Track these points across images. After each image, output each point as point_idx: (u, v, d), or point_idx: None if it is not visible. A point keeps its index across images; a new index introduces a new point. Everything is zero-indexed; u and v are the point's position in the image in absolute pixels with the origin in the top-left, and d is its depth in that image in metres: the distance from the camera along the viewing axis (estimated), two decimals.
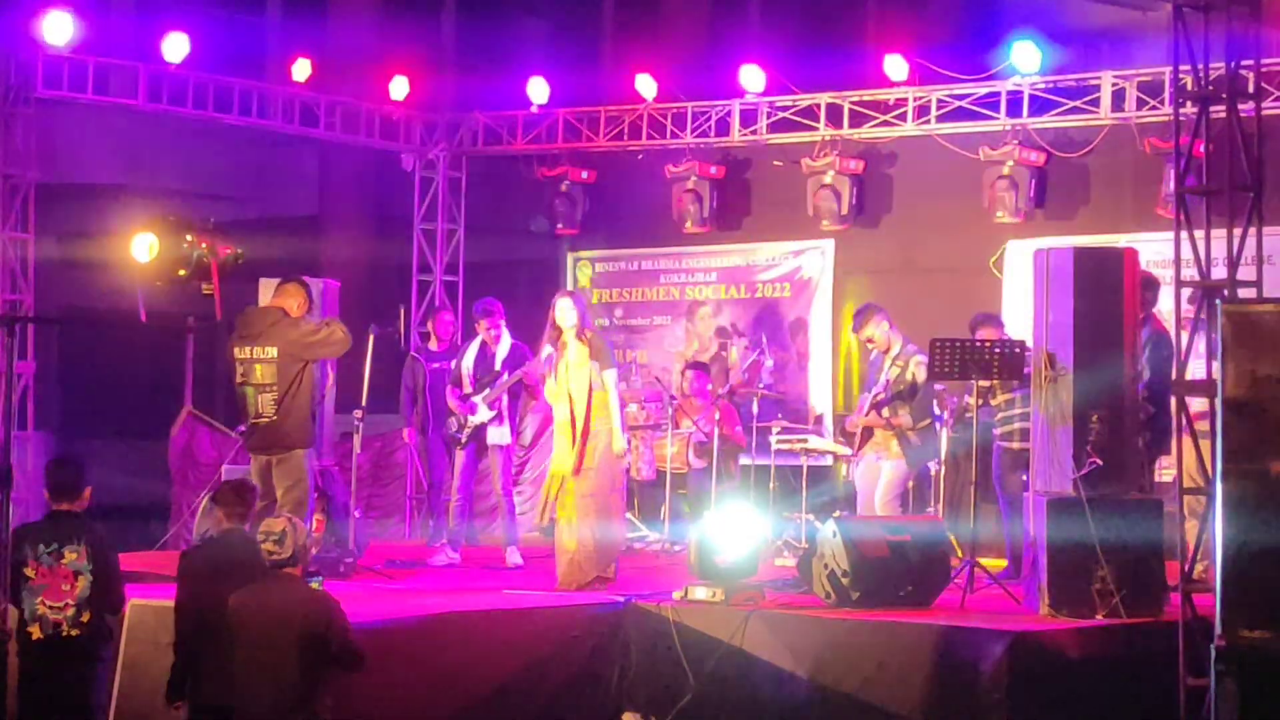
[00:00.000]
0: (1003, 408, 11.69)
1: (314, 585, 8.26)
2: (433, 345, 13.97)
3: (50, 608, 8.12)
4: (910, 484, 12.25)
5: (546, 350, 11.13)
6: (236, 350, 10.77)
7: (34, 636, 8.13)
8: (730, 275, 15.82)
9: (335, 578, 10.72)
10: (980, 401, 10.96)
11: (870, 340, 12.15)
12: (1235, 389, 7.72)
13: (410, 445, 14.36)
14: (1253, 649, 7.61)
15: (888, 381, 11.90)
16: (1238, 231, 8.57)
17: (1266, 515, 7.62)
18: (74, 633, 8.15)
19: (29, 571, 8.12)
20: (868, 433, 12.04)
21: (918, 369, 11.73)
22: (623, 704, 9.79)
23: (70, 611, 8.14)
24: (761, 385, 14.02)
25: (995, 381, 11.18)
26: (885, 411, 11.90)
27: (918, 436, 11.93)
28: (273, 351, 10.65)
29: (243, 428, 11.12)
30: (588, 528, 10.87)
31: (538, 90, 15.95)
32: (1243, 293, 8.49)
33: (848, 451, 13.53)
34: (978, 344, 10.94)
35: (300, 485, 10.64)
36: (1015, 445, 11.37)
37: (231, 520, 8.33)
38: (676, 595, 9.96)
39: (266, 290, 11.95)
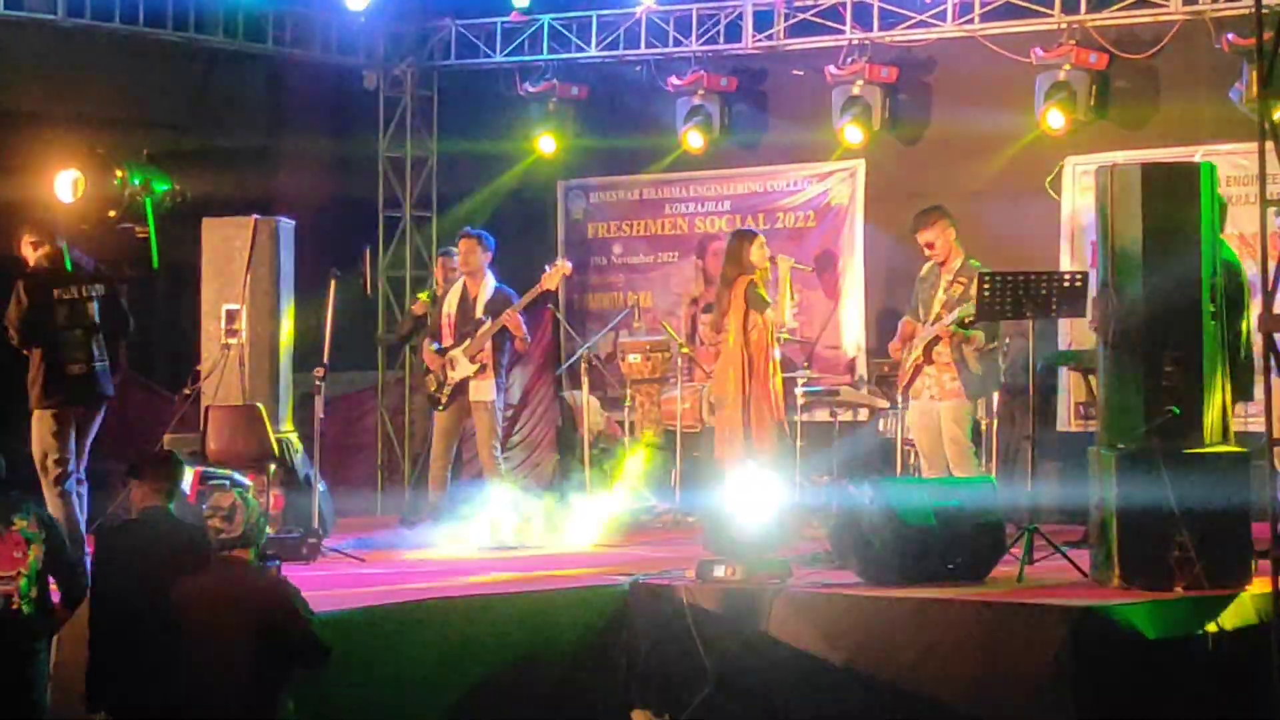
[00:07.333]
0: None
1: (270, 570, 8.28)
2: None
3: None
4: (981, 424, 11.69)
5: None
6: (58, 291, 10.70)
7: None
8: (746, 204, 15.80)
9: (296, 560, 10.78)
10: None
11: (930, 246, 11.74)
12: None
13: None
14: None
15: (948, 302, 11.59)
16: None
17: None
18: (24, 608, 8.05)
19: None
20: (917, 372, 11.70)
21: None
22: (631, 700, 9.77)
23: (22, 583, 8.05)
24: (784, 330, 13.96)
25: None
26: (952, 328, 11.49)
27: (981, 363, 11.50)
28: (102, 289, 10.67)
29: (186, 390, 11.11)
30: None
31: None
32: None
33: (885, 404, 13.47)
34: (1032, 277, 10.87)
35: None
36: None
37: (153, 498, 8.29)
38: (690, 574, 9.95)
39: (211, 232, 11.92)
